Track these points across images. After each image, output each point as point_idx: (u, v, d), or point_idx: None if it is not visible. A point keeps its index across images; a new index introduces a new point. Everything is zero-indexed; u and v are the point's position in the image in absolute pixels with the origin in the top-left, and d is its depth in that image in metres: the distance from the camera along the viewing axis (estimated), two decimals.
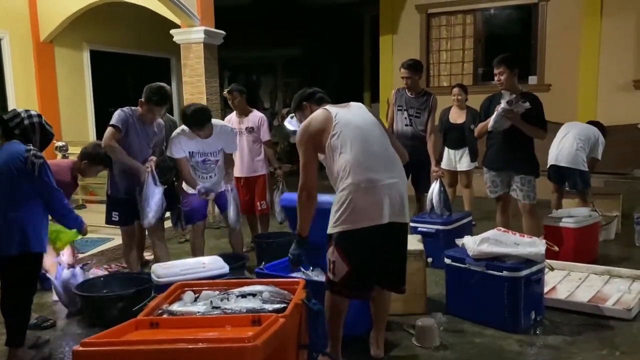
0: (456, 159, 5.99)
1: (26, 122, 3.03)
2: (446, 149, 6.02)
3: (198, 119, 4.06)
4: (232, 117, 5.20)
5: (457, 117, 5.92)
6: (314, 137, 2.75)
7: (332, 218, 2.69)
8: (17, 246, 2.92)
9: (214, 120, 4.25)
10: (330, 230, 2.70)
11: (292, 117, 3.31)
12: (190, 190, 4.29)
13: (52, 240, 3.74)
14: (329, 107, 2.85)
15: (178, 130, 4.20)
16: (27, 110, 3.10)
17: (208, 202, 4.45)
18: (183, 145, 4.14)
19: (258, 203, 5.13)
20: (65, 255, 3.96)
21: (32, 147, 2.98)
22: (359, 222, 2.64)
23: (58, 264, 3.89)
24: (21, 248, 2.93)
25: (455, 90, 5.91)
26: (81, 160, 3.91)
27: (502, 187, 4.41)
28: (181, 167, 4.19)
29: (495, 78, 4.29)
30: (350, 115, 2.80)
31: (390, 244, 2.76)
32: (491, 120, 4.16)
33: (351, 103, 2.95)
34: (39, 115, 3.12)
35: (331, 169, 2.74)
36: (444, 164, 5.95)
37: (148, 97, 3.91)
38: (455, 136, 5.91)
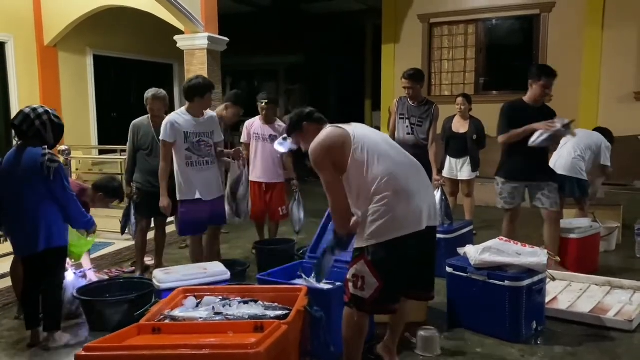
0: (457, 168, 6.00)
1: (37, 122, 3.16)
2: (448, 157, 6.04)
3: (201, 86, 4.08)
4: (256, 122, 5.15)
5: (459, 126, 5.93)
6: (332, 154, 2.60)
7: (367, 230, 2.56)
8: (44, 243, 3.17)
9: None
10: (364, 243, 2.57)
11: (284, 139, 3.08)
12: (189, 197, 4.16)
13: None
14: (336, 125, 2.73)
15: (172, 114, 4.17)
16: (34, 109, 3.19)
17: (206, 215, 4.29)
18: (177, 127, 4.05)
19: (279, 209, 5.10)
20: (85, 260, 4.17)
21: (47, 151, 3.11)
22: (400, 231, 2.55)
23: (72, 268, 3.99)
24: (47, 245, 3.18)
25: (460, 100, 5.93)
26: (96, 193, 3.97)
27: (519, 198, 4.41)
28: (165, 153, 4.09)
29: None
30: (362, 129, 2.73)
31: (424, 249, 2.72)
32: (538, 138, 4.12)
33: (352, 123, 2.83)
34: (47, 112, 3.21)
35: (357, 185, 2.60)
36: (445, 173, 5.96)
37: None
38: (457, 145, 5.92)
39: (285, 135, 3.02)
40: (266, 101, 5.07)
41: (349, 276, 2.63)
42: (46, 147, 3.16)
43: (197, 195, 4.12)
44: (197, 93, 4.08)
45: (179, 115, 4.14)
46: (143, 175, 4.57)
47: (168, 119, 4.11)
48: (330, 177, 2.60)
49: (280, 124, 5.16)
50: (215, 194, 4.25)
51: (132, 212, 4.54)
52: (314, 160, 2.64)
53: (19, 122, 3.16)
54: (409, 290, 2.78)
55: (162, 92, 4.61)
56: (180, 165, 4.11)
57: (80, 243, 3.79)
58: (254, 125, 5.12)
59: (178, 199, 4.20)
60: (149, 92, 4.57)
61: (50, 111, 3.25)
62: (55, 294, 3.34)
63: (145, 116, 4.63)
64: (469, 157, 5.91)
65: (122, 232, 4.63)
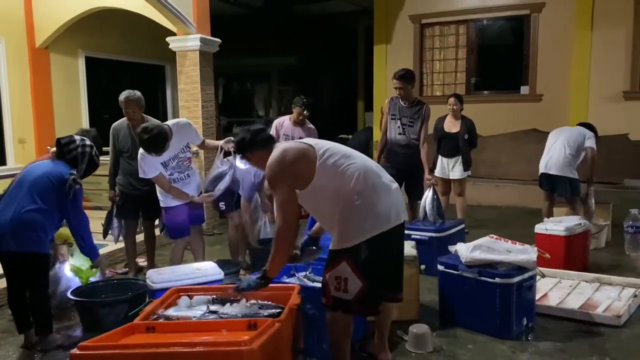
0: (449, 168, 6.04)
1: (79, 150, 3.40)
2: (440, 157, 6.08)
3: (154, 145, 3.87)
4: (285, 121, 5.16)
5: (451, 126, 5.97)
6: (295, 166, 2.54)
7: (352, 230, 2.55)
8: (14, 244, 3.15)
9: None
10: (349, 244, 2.54)
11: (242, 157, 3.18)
12: (171, 204, 4.20)
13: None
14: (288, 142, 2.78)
15: (142, 150, 3.99)
16: (82, 139, 3.47)
17: (188, 217, 4.32)
18: (154, 161, 4.02)
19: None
20: None
21: (75, 173, 3.31)
22: (385, 225, 2.57)
23: None
24: (18, 247, 3.16)
25: (451, 100, 5.96)
26: None
27: None
28: (162, 184, 4.11)
29: None
30: (317, 140, 2.75)
31: (399, 245, 2.77)
32: None
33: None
34: (92, 146, 3.47)
35: (334, 187, 2.57)
36: (437, 172, 6.00)
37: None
38: (449, 145, 5.96)
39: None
40: (301, 105, 5.03)
41: (328, 279, 2.60)
42: (75, 170, 3.33)
43: (180, 202, 4.20)
44: (156, 150, 3.92)
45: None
46: (125, 177, 4.56)
47: (139, 157, 4.02)
48: (286, 195, 2.53)
49: (310, 126, 5.18)
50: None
51: (114, 215, 4.56)
52: (271, 176, 2.56)
53: (65, 142, 3.39)
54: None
55: (135, 93, 4.46)
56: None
57: (89, 271, 3.79)
58: (284, 126, 5.10)
59: (163, 206, 4.25)
60: (122, 95, 4.44)
61: (95, 149, 3.48)
62: (39, 301, 3.32)
63: (124, 118, 4.58)
64: (460, 157, 5.96)
65: (104, 236, 4.63)
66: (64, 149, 3.37)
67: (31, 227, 3.18)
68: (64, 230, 3.70)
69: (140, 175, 4.10)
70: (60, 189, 3.22)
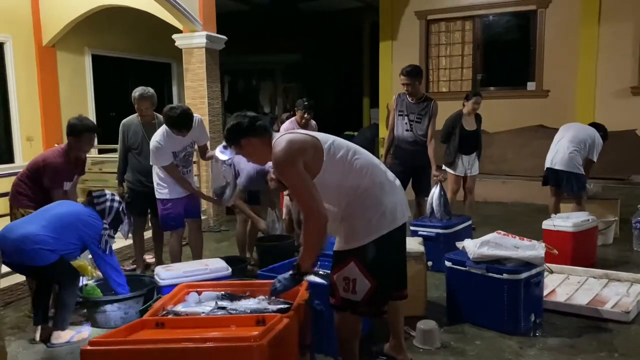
0: (469, 165, 5.97)
1: (107, 204, 3.63)
2: (461, 155, 5.93)
3: (187, 120, 4.02)
4: (293, 122, 5.21)
5: (470, 123, 5.92)
6: (305, 155, 2.38)
7: (358, 231, 2.48)
8: (30, 260, 3.26)
9: None
10: (356, 244, 2.48)
11: (225, 147, 3.03)
12: (168, 196, 4.25)
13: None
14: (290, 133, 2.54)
15: (158, 138, 4.10)
16: (112, 194, 3.73)
17: (183, 210, 4.36)
18: (165, 150, 4.10)
19: None
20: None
21: (107, 226, 3.57)
22: (392, 223, 2.51)
23: None
24: (35, 262, 3.27)
25: (478, 98, 5.86)
26: (72, 139, 3.88)
27: None
28: (171, 173, 4.17)
29: None
30: (323, 133, 2.59)
31: (403, 243, 2.74)
32: None
33: None
34: (120, 202, 3.71)
35: (338, 183, 2.48)
36: (458, 171, 5.92)
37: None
38: (470, 142, 5.90)
39: (225, 144, 2.89)
40: (303, 109, 5.10)
41: (336, 280, 2.55)
42: (106, 223, 3.56)
43: (177, 195, 4.26)
44: (186, 126, 4.05)
45: (162, 136, 4.09)
46: (134, 174, 4.59)
47: (153, 145, 4.11)
48: (304, 176, 2.35)
49: (313, 124, 5.22)
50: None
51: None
52: (284, 161, 2.35)
53: (96, 195, 3.64)
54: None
55: (149, 90, 4.54)
56: (167, 175, 4.22)
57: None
58: (289, 128, 5.11)
59: (160, 197, 4.29)
60: (136, 92, 4.52)
61: (123, 205, 3.72)
62: (64, 296, 3.41)
63: (134, 115, 4.62)
64: (476, 153, 5.94)
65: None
66: (94, 201, 3.60)
67: (38, 245, 3.24)
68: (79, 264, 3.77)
69: (152, 162, 4.18)
70: (97, 247, 3.48)
